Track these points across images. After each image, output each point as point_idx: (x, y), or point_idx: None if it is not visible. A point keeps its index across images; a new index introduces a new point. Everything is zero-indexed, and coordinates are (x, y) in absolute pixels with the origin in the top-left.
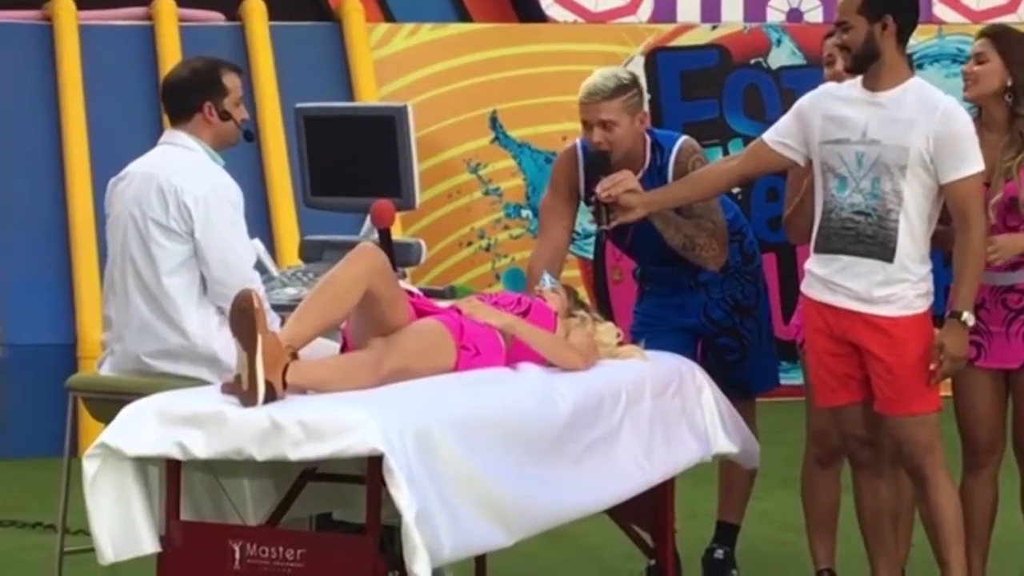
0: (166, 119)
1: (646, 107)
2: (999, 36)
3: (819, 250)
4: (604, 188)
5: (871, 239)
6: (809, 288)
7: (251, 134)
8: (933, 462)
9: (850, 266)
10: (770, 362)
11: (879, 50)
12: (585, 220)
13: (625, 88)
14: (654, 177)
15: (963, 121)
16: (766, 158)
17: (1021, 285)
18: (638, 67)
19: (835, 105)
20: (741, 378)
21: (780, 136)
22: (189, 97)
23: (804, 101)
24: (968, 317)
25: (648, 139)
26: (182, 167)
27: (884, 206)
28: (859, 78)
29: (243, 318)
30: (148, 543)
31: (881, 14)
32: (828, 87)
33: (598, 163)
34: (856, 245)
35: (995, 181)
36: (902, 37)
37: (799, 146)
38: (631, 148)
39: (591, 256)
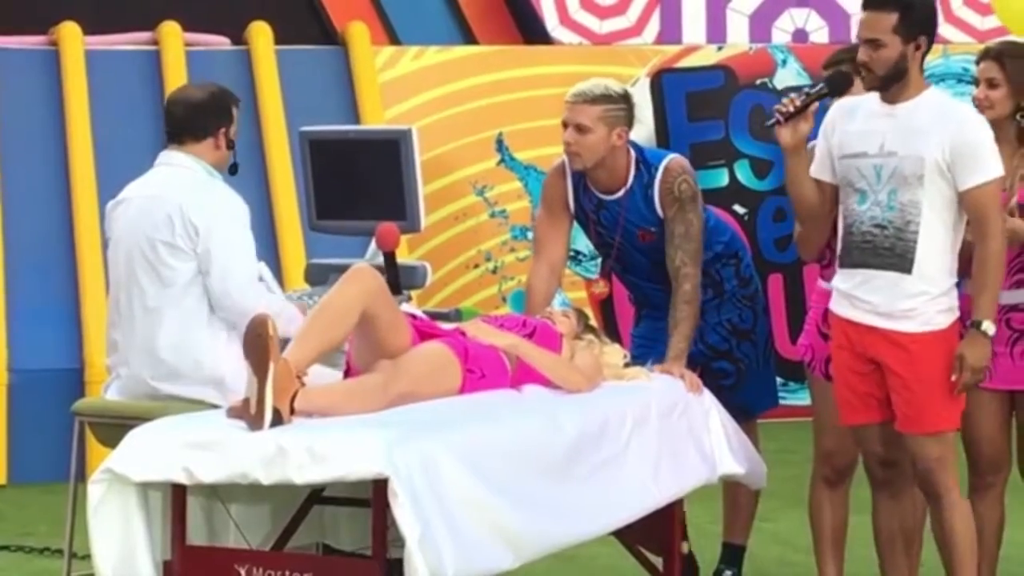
0: None
1: (630, 125)
2: (1004, 59)
3: (842, 264)
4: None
5: (889, 251)
6: (835, 304)
7: (236, 167)
8: (946, 480)
9: (870, 279)
10: (769, 383)
11: (908, 70)
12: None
13: (609, 99)
14: (638, 195)
15: (980, 128)
16: (827, 190)
17: None
18: (644, 88)
19: (852, 119)
20: (739, 401)
21: (819, 166)
22: (207, 120)
23: (825, 121)
24: (989, 327)
25: (633, 155)
26: (184, 186)
27: (902, 217)
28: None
29: (257, 343)
30: (146, 570)
31: (916, 35)
32: (844, 101)
33: (835, 85)
34: (875, 258)
35: (1011, 188)
36: (924, 56)
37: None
38: (609, 162)
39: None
